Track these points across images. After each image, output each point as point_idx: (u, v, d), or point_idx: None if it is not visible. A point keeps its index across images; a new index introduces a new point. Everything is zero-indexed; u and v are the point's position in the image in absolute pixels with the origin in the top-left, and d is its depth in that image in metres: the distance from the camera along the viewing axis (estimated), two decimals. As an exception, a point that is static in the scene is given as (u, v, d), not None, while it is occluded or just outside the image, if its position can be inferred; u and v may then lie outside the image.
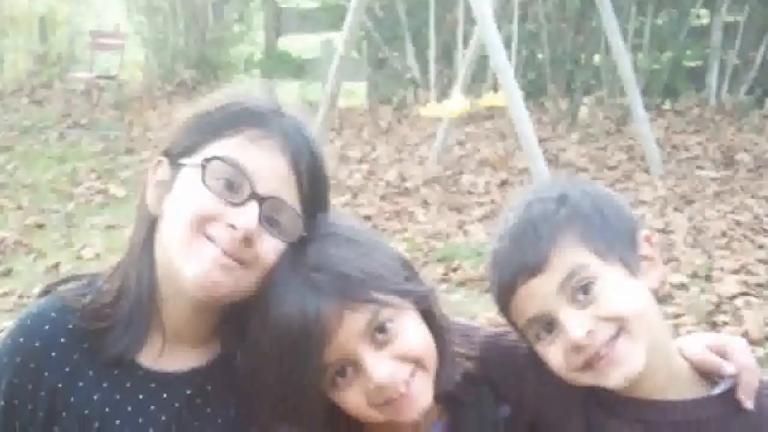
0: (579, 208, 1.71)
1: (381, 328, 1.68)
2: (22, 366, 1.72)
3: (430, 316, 1.78)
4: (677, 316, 4.76)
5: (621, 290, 1.68)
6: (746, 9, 10.24)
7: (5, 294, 5.77)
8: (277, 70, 13.09)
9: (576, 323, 1.65)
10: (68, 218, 7.42)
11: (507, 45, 6.83)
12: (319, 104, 7.56)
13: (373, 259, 1.72)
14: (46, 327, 1.74)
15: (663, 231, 6.13)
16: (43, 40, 15.47)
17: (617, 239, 1.71)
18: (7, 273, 6.21)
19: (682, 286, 5.19)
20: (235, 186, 1.67)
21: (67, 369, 1.73)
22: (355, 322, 1.66)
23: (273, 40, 13.72)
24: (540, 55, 10.82)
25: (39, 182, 8.69)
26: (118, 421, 1.74)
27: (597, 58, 10.64)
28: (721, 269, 5.42)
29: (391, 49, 11.66)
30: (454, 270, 5.71)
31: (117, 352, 1.74)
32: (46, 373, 1.72)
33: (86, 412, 1.72)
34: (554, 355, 1.71)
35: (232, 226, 1.65)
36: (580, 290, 1.67)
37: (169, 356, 1.78)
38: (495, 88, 8.15)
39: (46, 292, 1.83)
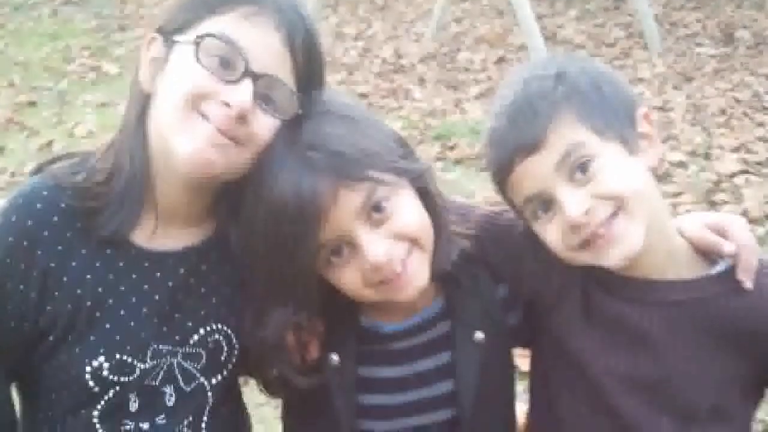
0: (577, 86, 1.69)
1: (377, 207, 1.67)
2: (15, 245, 1.71)
3: (426, 195, 1.77)
4: (676, 194, 4.77)
5: (619, 168, 1.66)
6: None
7: (-3, 172, 5.77)
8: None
9: (573, 202, 1.64)
10: (61, 96, 7.36)
11: None
12: (314, -20, 7.44)
13: (368, 137, 1.70)
14: (39, 206, 1.72)
15: (661, 109, 6.09)
16: None
17: (615, 117, 1.69)
18: (0, 151, 6.18)
19: (681, 165, 5.19)
20: (229, 63, 1.64)
21: (59, 248, 1.72)
22: (350, 201, 1.65)
23: None
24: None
25: (31, 60, 8.59)
26: (111, 301, 1.74)
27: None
28: (721, 147, 5.41)
29: None
30: (451, 148, 5.69)
31: (110, 231, 1.73)
32: (39, 252, 1.71)
33: (79, 291, 1.72)
34: (552, 234, 1.70)
35: (227, 104, 1.63)
36: (578, 168, 1.65)
37: (163, 235, 1.77)
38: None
39: (38, 170, 1.81)
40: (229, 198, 1.73)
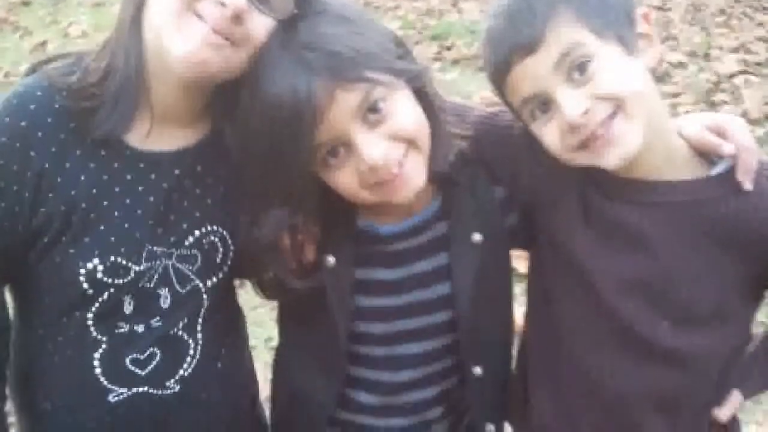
0: None
1: (373, 108, 1.66)
2: (8, 146, 1.69)
3: (423, 96, 1.76)
4: (675, 95, 4.75)
5: (618, 69, 1.64)
6: None
7: (-9, 72, 5.74)
8: None
9: (572, 102, 1.63)
10: (54, -5, 7.29)
11: None
12: None
13: (365, 37, 1.68)
14: (32, 106, 1.71)
15: (660, 8, 6.04)
16: None
17: (614, 17, 1.66)
18: (-7, 51, 6.15)
19: (680, 65, 5.16)
20: None
21: (53, 149, 1.71)
22: (347, 102, 1.63)
23: None
24: None
25: (23, -42, 8.48)
26: (105, 202, 1.73)
27: None
28: (720, 48, 5.38)
29: None
30: (448, 48, 5.66)
31: (104, 131, 1.71)
32: (33, 153, 1.70)
33: (73, 193, 1.71)
34: (550, 135, 1.69)
35: (221, 4, 1.60)
36: (576, 69, 1.63)
37: (158, 136, 1.76)
38: None
39: (32, 71, 1.79)
40: (225, 98, 1.71)
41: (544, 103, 1.67)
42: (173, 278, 1.80)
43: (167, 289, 1.80)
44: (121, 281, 1.75)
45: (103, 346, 1.79)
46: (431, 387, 1.95)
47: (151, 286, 1.78)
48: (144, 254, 1.76)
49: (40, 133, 1.70)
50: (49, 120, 1.71)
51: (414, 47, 5.05)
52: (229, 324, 1.96)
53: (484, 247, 1.86)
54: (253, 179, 1.73)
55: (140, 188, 1.75)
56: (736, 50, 5.26)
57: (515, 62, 1.66)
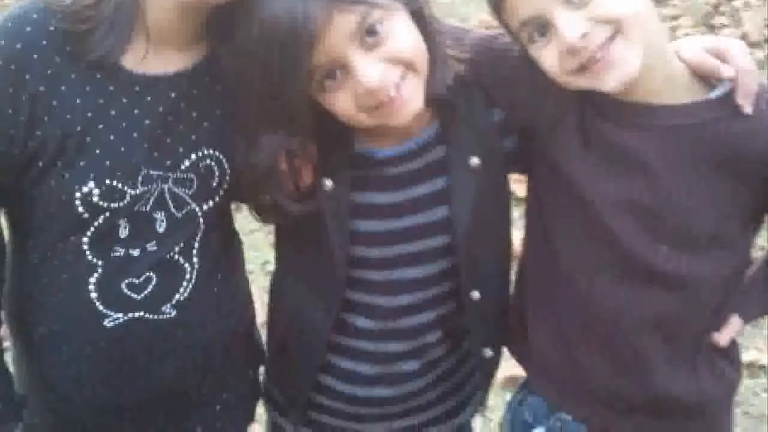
0: None
1: (370, 30, 1.66)
2: (3, 69, 1.70)
3: (420, 19, 1.76)
4: (674, 18, 4.73)
5: None
6: None
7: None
8: None
9: (571, 25, 1.63)
10: None
11: None
12: None
13: None
14: (27, 29, 1.71)
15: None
16: None
17: None
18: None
19: (680, -13, 5.12)
20: None
21: (49, 72, 1.71)
22: (344, 24, 1.63)
23: None
24: None
25: None
26: (101, 126, 1.74)
27: None
28: (720, -31, 5.33)
29: None
30: (445, -30, 5.60)
31: (99, 54, 1.72)
32: (28, 76, 1.70)
33: (68, 116, 1.72)
34: (548, 58, 1.69)
35: None
36: None
37: (154, 59, 1.76)
38: None
39: (28, -7, 1.79)
40: (221, 21, 1.72)
41: (543, 26, 1.67)
42: (169, 202, 1.81)
43: (163, 213, 1.82)
44: (116, 205, 1.77)
45: (99, 270, 1.81)
46: (429, 312, 1.97)
47: (147, 210, 1.80)
48: (140, 178, 1.77)
49: (35, 56, 1.71)
50: (45, 43, 1.71)
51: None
52: (225, 248, 1.97)
53: (481, 171, 1.87)
54: (250, 103, 1.74)
55: (136, 111, 1.76)
56: (736, -28, 5.22)
57: None
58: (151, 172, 1.78)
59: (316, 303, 1.96)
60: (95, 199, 1.75)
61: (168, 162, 1.79)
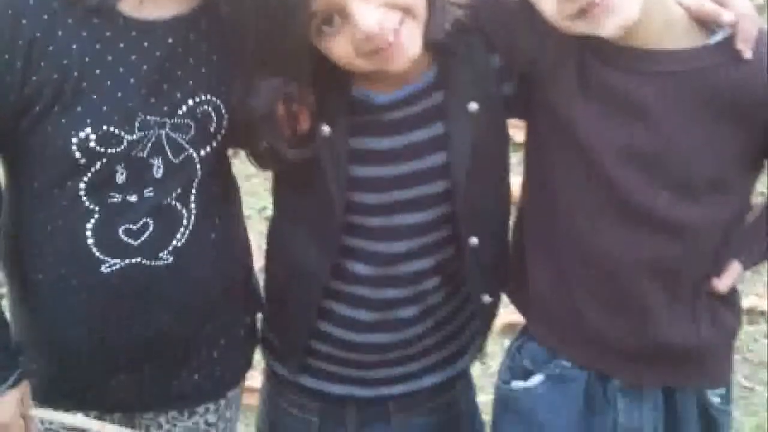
0: None
1: None
2: (0, 15, 1.71)
3: (419, -38, 1.77)
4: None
5: None
6: None
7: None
8: None
9: None
10: None
11: None
12: None
13: None
14: None
15: None
16: None
17: None
18: None
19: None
20: None
21: (45, 17, 1.72)
22: None
23: None
24: None
25: None
26: (98, 71, 1.76)
27: None
28: None
29: None
30: None
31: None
32: (24, 22, 1.71)
33: (65, 61, 1.74)
34: (548, 2, 1.70)
35: None
36: None
37: (151, 4, 1.77)
38: None
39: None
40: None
41: None
42: (166, 148, 1.83)
43: (160, 158, 1.83)
44: (113, 150, 1.79)
45: (96, 216, 1.83)
46: (427, 258, 1.98)
47: (144, 155, 1.81)
48: (137, 123, 1.79)
49: (31, 1, 1.72)
50: None
51: None
52: (222, 194, 1.99)
53: (480, 116, 1.88)
54: (248, 48, 1.75)
55: (133, 57, 1.77)
56: None
57: None
58: (148, 118, 1.79)
59: (314, 249, 1.97)
60: (92, 144, 1.76)
61: (165, 107, 1.80)
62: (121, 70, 1.76)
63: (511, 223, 2.09)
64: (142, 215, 1.85)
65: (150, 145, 1.81)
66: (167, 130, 1.82)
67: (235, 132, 1.88)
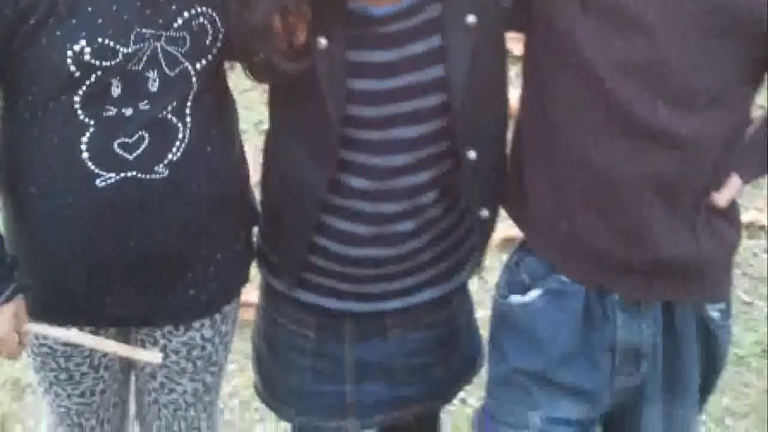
0: None
1: None
2: None
3: None
4: None
5: None
6: None
7: None
8: None
9: None
10: None
11: None
12: None
13: None
14: None
15: None
16: None
17: None
18: None
19: None
20: None
21: None
22: None
23: None
24: None
25: None
26: None
27: None
28: None
29: None
30: None
31: None
32: None
33: None
34: None
35: None
36: None
37: None
38: None
39: None
40: None
41: None
42: (162, 60, 1.85)
43: (156, 71, 1.85)
44: (108, 63, 1.81)
45: (91, 129, 1.86)
46: (425, 172, 2.01)
47: (140, 68, 1.84)
48: (132, 36, 1.81)
49: None
50: None
51: None
52: (218, 107, 2.01)
53: (478, 29, 1.89)
54: None
55: None
56: None
57: None
58: (144, 31, 1.81)
59: (311, 163, 1.99)
60: (87, 57, 1.78)
61: (160, 20, 1.82)
62: None
63: (509, 136, 2.11)
64: (138, 129, 1.87)
65: (145, 58, 1.83)
66: (162, 42, 1.84)
67: (231, 45, 1.90)
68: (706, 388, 2.13)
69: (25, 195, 1.95)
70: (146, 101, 1.86)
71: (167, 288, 2.06)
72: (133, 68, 1.83)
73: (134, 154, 1.88)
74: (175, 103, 1.89)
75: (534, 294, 2.02)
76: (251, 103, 3.16)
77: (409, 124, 1.96)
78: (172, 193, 1.94)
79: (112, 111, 1.85)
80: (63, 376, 2.17)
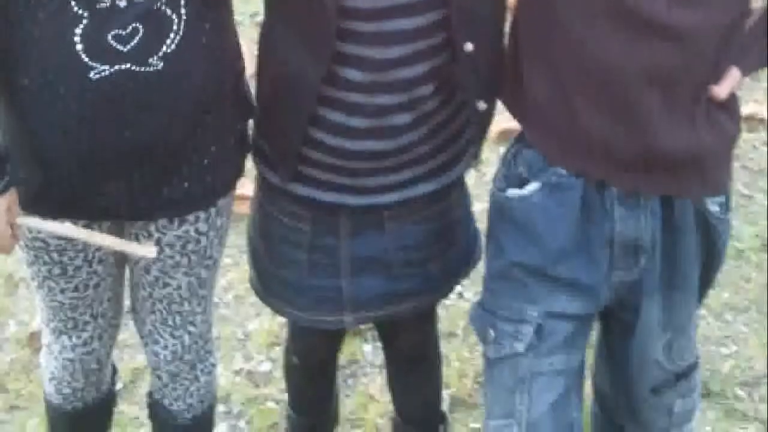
0: None
1: None
2: None
3: None
4: None
5: None
6: None
7: None
8: None
9: None
10: None
11: None
12: None
13: None
14: None
15: None
16: None
17: None
18: None
19: None
20: None
21: None
22: None
23: None
24: None
25: None
26: None
27: None
28: None
29: None
30: None
31: None
32: None
33: None
34: None
35: None
36: None
37: None
38: None
39: None
40: None
41: None
42: None
43: None
44: None
45: (84, 21, 1.87)
46: (421, 64, 2.03)
47: None
48: None
49: None
50: None
51: None
52: (213, -1, 2.02)
53: None
54: None
55: None
56: None
57: None
58: None
59: (307, 55, 2.01)
60: None
61: None
62: None
63: (507, 29, 2.12)
64: (132, 20, 1.88)
65: None
66: None
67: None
68: (706, 282, 2.16)
69: (18, 87, 1.96)
70: None
71: (162, 181, 2.08)
72: None
73: (128, 46, 1.90)
74: None
75: (532, 187, 2.04)
76: (249, -2, 3.14)
77: (406, 15, 1.97)
78: (166, 85, 1.95)
79: (106, 2, 1.86)
80: (56, 270, 2.20)
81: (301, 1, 1.97)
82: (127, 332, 2.85)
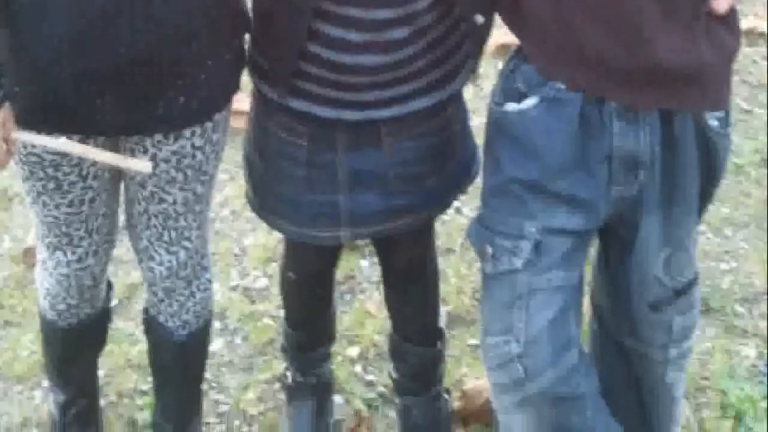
0: None
1: None
2: None
3: None
4: None
5: None
6: None
7: None
8: None
9: None
10: None
11: None
12: None
13: None
14: None
15: None
16: None
17: None
18: None
19: None
20: None
21: None
22: None
23: None
24: None
25: None
26: None
27: None
28: None
29: None
30: None
31: None
32: None
33: None
34: None
35: None
36: None
37: None
38: None
39: None
40: None
41: None
42: None
43: None
44: None
45: None
46: (418, -23, 2.03)
47: None
48: None
49: None
50: None
51: None
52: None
53: None
54: None
55: None
56: None
57: None
58: None
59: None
60: None
61: None
62: None
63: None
64: None
65: None
66: None
67: None
68: (705, 197, 2.17)
69: (11, 2, 1.96)
70: None
71: (157, 95, 2.09)
72: None
73: None
74: None
75: (530, 102, 2.03)
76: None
77: (403, -74, 1.98)
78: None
79: None
80: (51, 185, 2.21)
81: None
82: (123, 248, 2.88)
